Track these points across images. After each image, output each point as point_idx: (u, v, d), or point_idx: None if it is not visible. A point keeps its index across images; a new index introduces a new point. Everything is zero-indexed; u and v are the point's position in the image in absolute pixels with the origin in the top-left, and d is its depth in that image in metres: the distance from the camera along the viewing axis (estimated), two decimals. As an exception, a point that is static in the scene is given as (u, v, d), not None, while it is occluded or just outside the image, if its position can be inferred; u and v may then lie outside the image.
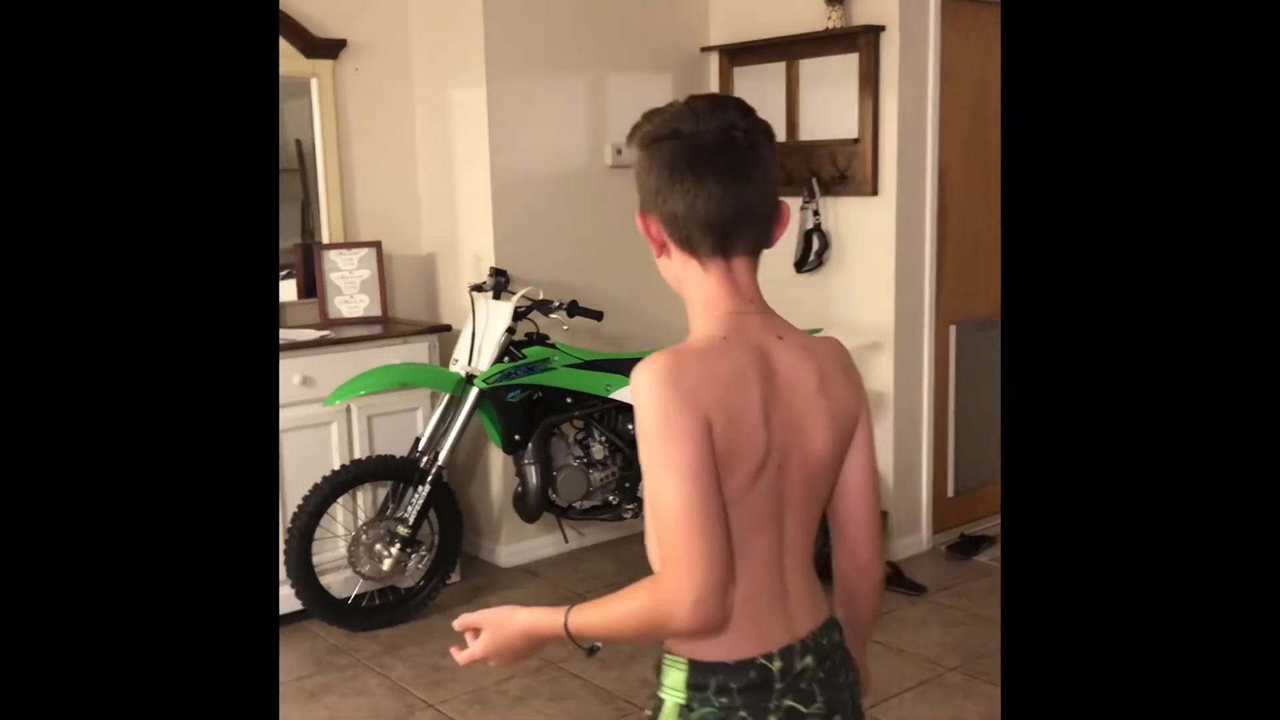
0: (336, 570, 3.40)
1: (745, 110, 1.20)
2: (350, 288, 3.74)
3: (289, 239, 3.89)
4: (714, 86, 4.17)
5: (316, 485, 3.24)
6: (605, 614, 1.17)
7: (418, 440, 3.38)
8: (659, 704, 1.22)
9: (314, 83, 3.72)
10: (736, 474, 1.14)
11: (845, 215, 3.80)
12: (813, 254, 3.84)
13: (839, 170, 3.76)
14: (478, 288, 3.48)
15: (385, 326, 3.68)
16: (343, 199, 3.82)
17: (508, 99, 3.69)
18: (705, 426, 1.10)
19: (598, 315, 3.32)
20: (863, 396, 1.26)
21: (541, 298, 3.36)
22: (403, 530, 3.26)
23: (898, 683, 3.01)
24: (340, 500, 3.29)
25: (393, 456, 3.33)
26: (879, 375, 3.78)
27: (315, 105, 3.73)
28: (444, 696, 2.95)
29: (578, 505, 3.45)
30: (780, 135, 3.94)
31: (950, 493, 4.03)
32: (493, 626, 1.26)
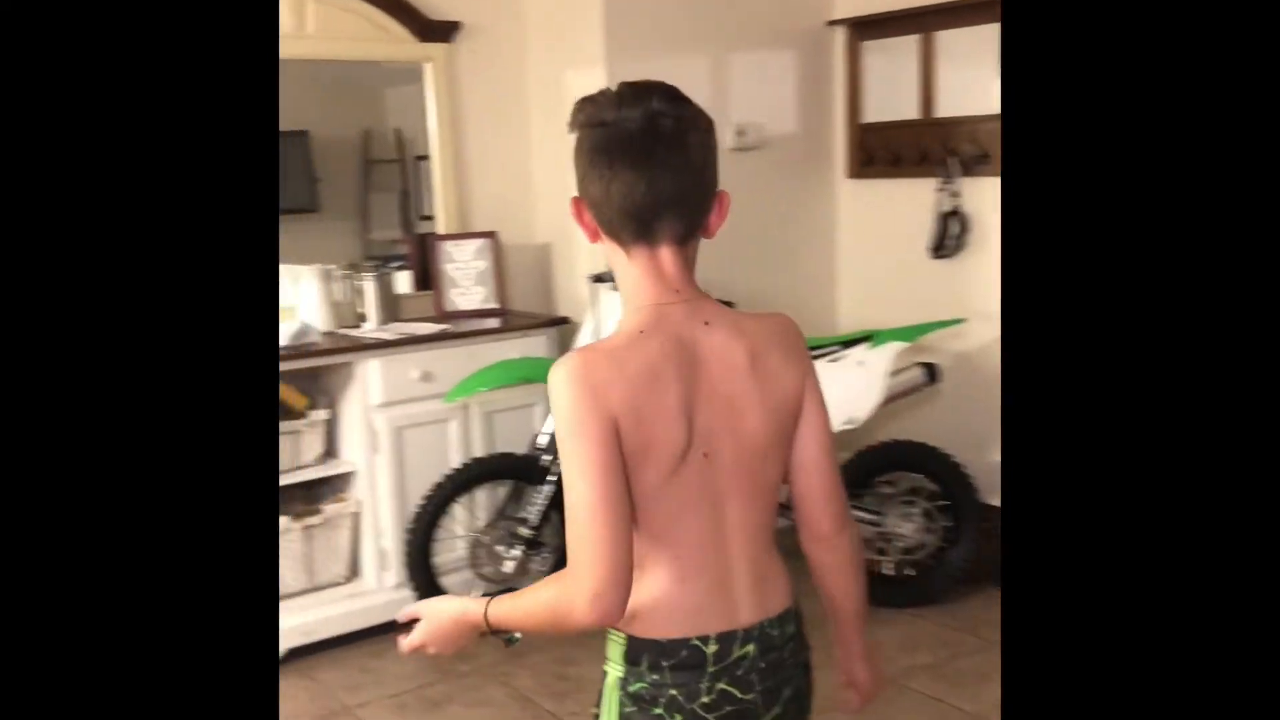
0: (455, 572, 3.29)
1: (674, 97, 1.20)
2: (466, 279, 3.63)
3: (387, 231, 3.80)
4: (840, 63, 3.95)
5: (438, 484, 3.13)
6: (517, 605, 1.22)
7: (536, 436, 3.25)
8: (604, 677, 1.26)
9: (427, 67, 3.60)
10: (651, 468, 1.16)
11: (987, 197, 3.55)
12: (950, 238, 3.61)
13: (980, 149, 3.51)
14: (598, 278, 3.32)
15: (503, 319, 3.56)
16: (457, 188, 3.71)
17: (627, 76, 3.52)
18: (611, 427, 1.13)
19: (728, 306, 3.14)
20: (807, 370, 1.26)
21: (667, 288, 3.20)
22: (525, 531, 3.13)
23: None
24: (459, 499, 3.18)
25: (513, 454, 3.21)
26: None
27: (429, 90, 3.62)
28: (572, 709, 2.82)
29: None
30: (913, 113, 3.72)
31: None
32: (429, 615, 1.32)
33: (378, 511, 3.24)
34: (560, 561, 3.24)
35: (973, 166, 3.55)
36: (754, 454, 1.22)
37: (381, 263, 3.62)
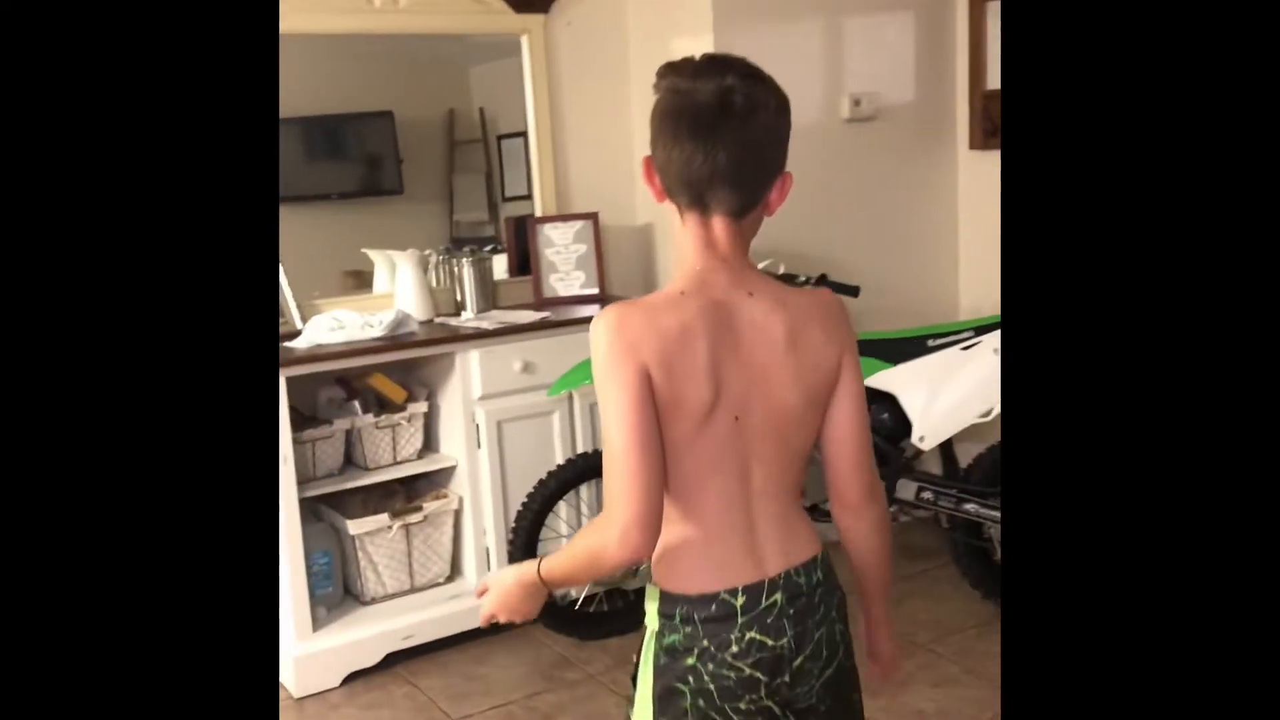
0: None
1: (750, 74, 1.23)
2: (566, 264, 3.45)
3: (472, 213, 3.64)
4: (963, 26, 3.67)
5: (542, 481, 2.96)
6: (564, 553, 1.30)
7: (646, 431, 3.07)
8: (644, 630, 1.32)
9: (524, 40, 3.42)
10: (681, 422, 1.22)
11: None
12: (1088, 213, 3.33)
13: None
14: (708, 261, 3.12)
15: (603, 305, 3.37)
16: (555, 167, 3.52)
17: (737, 45, 3.29)
18: (644, 377, 1.18)
19: (853, 290, 2.92)
20: (846, 348, 1.30)
21: (784, 270, 2.98)
22: (634, 532, 2.95)
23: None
24: (564, 497, 3.02)
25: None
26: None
27: (526, 64, 3.43)
28: None
29: (820, 504, 3.06)
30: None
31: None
32: (494, 584, 1.39)
33: (480, 508, 3.08)
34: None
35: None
36: (784, 422, 1.27)
37: (475, 246, 3.47)
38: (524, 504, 2.97)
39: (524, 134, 3.52)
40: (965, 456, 3.12)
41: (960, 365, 2.95)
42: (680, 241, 1.28)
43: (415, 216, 3.62)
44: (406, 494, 3.18)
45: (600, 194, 3.58)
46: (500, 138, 3.60)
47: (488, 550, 3.09)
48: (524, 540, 2.94)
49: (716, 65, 1.24)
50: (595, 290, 3.46)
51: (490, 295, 3.33)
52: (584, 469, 2.97)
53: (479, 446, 3.05)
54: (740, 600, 1.27)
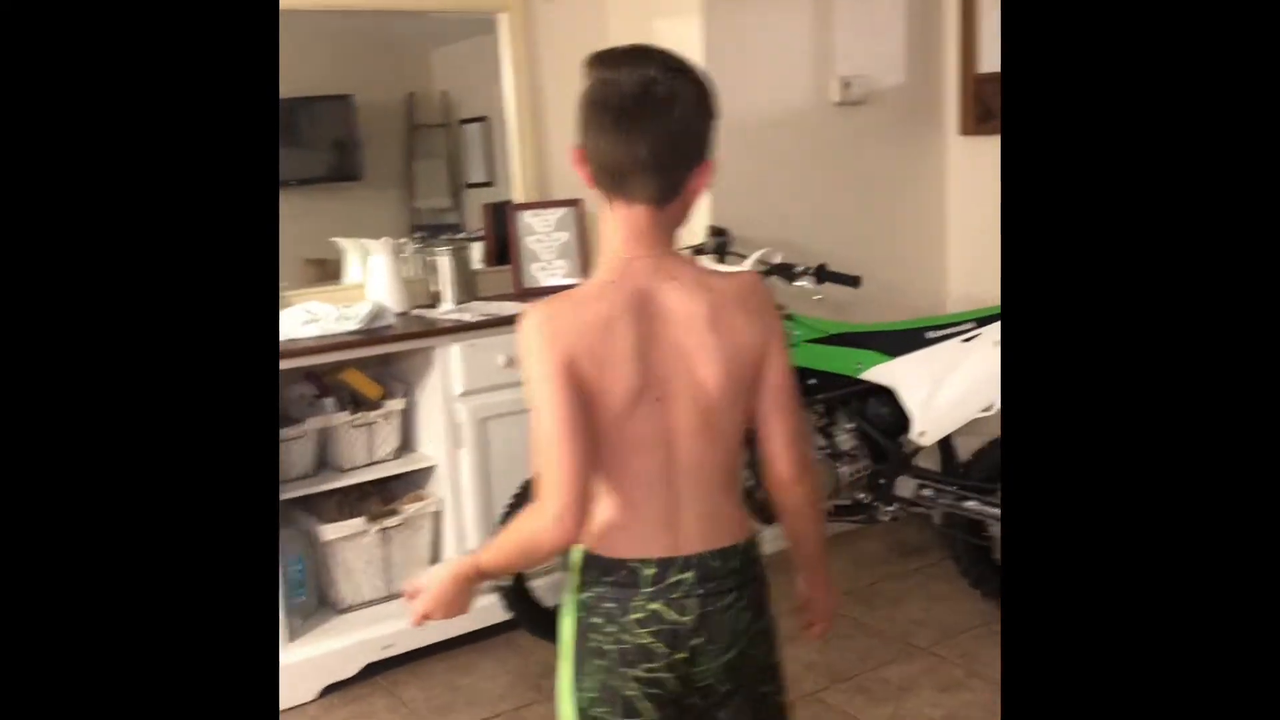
0: (543, 574, 3.00)
1: (670, 66, 1.27)
2: (548, 253, 3.31)
3: (433, 199, 3.49)
4: (953, 6, 3.57)
5: (528, 481, 2.82)
6: (500, 542, 1.33)
7: (635, 428, 2.94)
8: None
9: (503, 19, 3.27)
10: (607, 407, 1.27)
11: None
12: (1085, 200, 3.24)
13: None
14: (698, 250, 2.99)
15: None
16: (535, 152, 3.37)
17: (726, 27, 3.17)
18: (568, 369, 1.24)
19: (853, 281, 2.80)
20: (770, 327, 1.34)
21: (780, 260, 2.86)
22: (625, 534, 2.83)
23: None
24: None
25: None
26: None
27: (504, 45, 3.28)
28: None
29: (825, 505, 2.96)
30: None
31: None
32: (428, 583, 1.38)
33: (461, 511, 2.94)
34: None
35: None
36: (709, 401, 1.31)
37: (446, 234, 3.32)
38: (509, 506, 2.83)
39: (486, 119, 3.38)
40: (964, 451, 3.02)
41: (961, 358, 2.85)
42: (607, 227, 1.33)
43: (375, 203, 3.46)
44: (383, 496, 3.03)
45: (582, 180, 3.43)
46: (463, 122, 3.47)
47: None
48: (509, 544, 2.81)
49: (639, 56, 1.28)
50: (580, 279, 3.31)
51: (469, 286, 3.18)
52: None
53: (460, 446, 2.90)
54: (649, 571, 1.33)
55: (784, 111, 3.32)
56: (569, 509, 1.25)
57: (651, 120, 1.24)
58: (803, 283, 2.80)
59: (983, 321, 2.88)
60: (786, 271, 2.81)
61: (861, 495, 2.97)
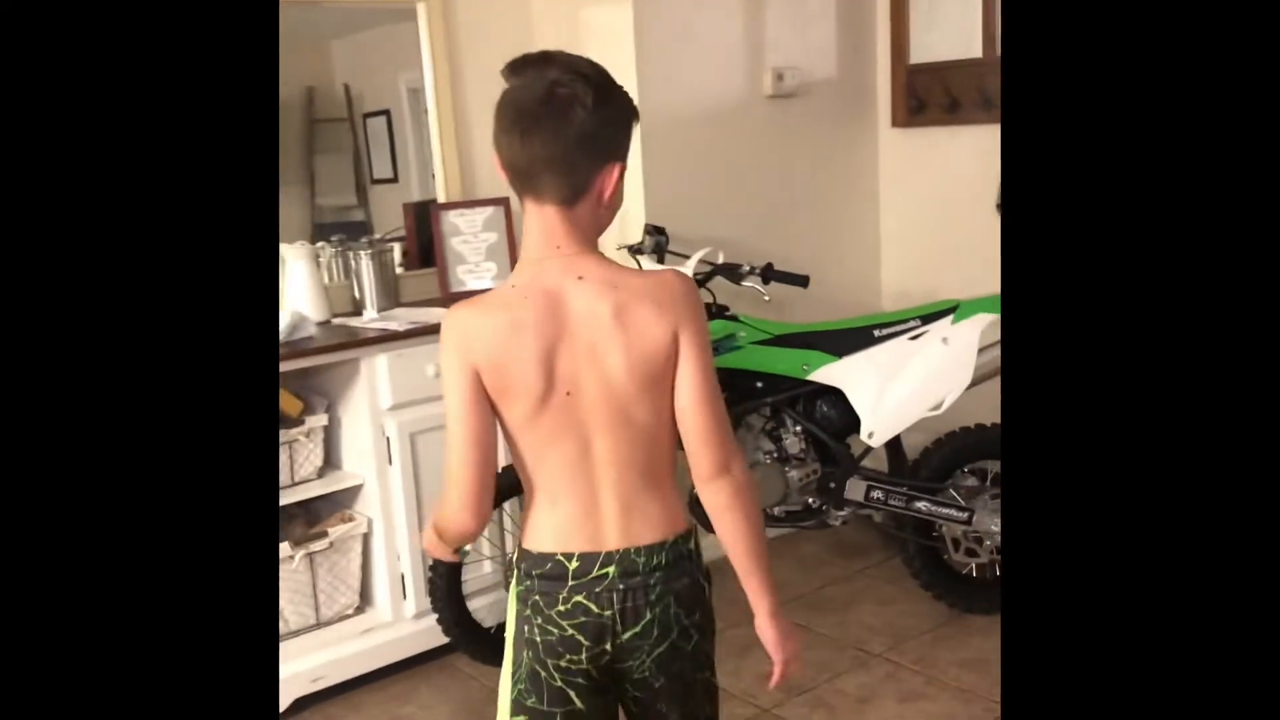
0: (485, 592, 2.85)
1: (573, 70, 1.30)
2: (475, 254, 3.14)
3: (336, 197, 3.31)
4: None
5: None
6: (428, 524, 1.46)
7: (575, 437, 2.80)
8: None
9: (421, 9, 3.09)
10: (514, 406, 1.32)
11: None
12: (1022, 192, 3.20)
13: (1059, 89, 3.10)
14: (635, 250, 2.86)
15: (518, 299, 3.09)
16: (459, 148, 3.21)
17: (656, 17, 3.05)
18: (473, 373, 1.31)
19: (802, 280, 2.71)
20: (681, 323, 1.34)
21: (723, 260, 2.75)
22: (569, 550, 2.69)
23: None
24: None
25: (550, 460, 2.75)
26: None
27: (424, 35, 3.11)
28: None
29: (773, 510, 2.86)
30: (975, 51, 3.29)
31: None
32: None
33: (393, 531, 2.77)
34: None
35: (1048, 110, 3.14)
36: (619, 395, 1.34)
37: (345, 232, 3.15)
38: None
39: (389, 112, 3.21)
40: (911, 450, 2.96)
41: (909, 356, 2.78)
42: (525, 228, 1.36)
43: (272, 201, 3.26)
44: (307, 518, 2.84)
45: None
46: (366, 116, 3.29)
47: (403, 577, 2.78)
48: (446, 567, 2.65)
49: (544, 61, 1.31)
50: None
51: (392, 291, 3.01)
52: (512, 483, 2.68)
53: (390, 462, 2.73)
54: (573, 565, 1.36)
55: (717, 105, 3.22)
56: (466, 506, 1.34)
57: (553, 121, 1.28)
58: (750, 283, 2.69)
59: (928, 318, 2.82)
60: (732, 272, 2.71)
61: (811, 499, 2.88)
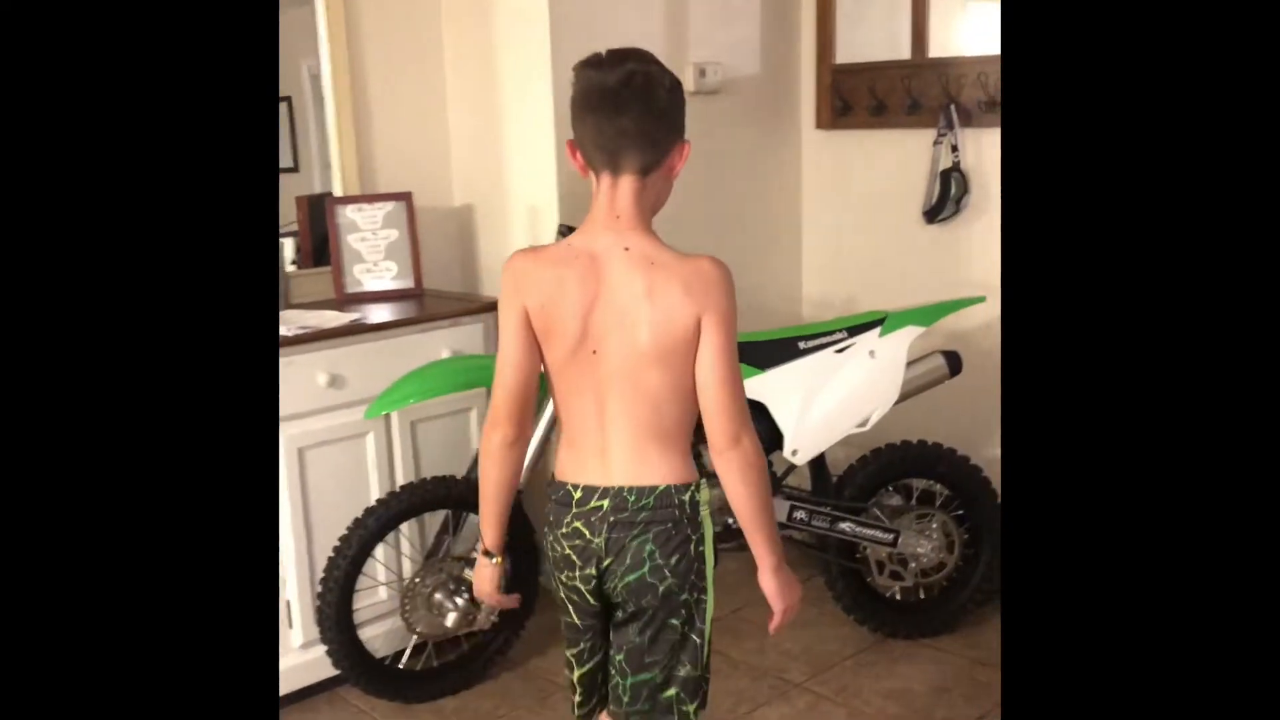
0: (378, 620, 2.63)
1: (646, 60, 1.50)
2: (374, 253, 2.92)
3: None
4: (809, -7, 3.37)
5: (359, 520, 2.45)
6: (482, 502, 1.67)
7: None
8: None
9: (318, -13, 2.85)
10: (555, 348, 1.53)
11: (994, 151, 3.05)
12: (950, 200, 3.10)
13: (988, 95, 3.00)
14: (548, 252, 2.67)
15: (420, 303, 2.88)
16: (357, 138, 2.98)
17: (573, 6, 2.86)
18: (521, 310, 1.52)
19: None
20: (706, 308, 1.49)
21: (642, 266, 2.58)
22: (472, 576, 2.48)
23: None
24: (385, 538, 2.52)
25: (453, 478, 2.54)
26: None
27: (321, 20, 2.87)
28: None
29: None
30: (904, 53, 3.18)
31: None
32: (476, 589, 1.77)
33: (279, 554, 2.53)
34: (510, 611, 2.63)
35: (977, 116, 3.04)
36: (637, 362, 1.50)
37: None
38: (336, 548, 2.45)
39: (289, 99, 2.98)
40: (834, 466, 2.83)
41: (835, 370, 2.65)
42: (594, 201, 1.52)
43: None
44: (183, 539, 2.59)
45: (411, 171, 3.06)
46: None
47: (289, 604, 2.54)
48: (337, 593, 2.43)
49: (620, 55, 1.48)
50: (411, 283, 2.94)
51: (283, 291, 2.77)
52: (411, 504, 2.49)
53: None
54: (577, 495, 1.57)
55: (636, 100, 3.04)
56: (503, 419, 1.57)
57: (638, 100, 1.45)
58: (670, 291, 2.52)
59: (855, 330, 2.69)
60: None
61: (731, 520, 2.72)
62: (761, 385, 2.62)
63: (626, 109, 1.44)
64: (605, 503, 1.54)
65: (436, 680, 2.60)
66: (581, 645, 1.64)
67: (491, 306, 2.85)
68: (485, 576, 1.71)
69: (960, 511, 2.83)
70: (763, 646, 2.82)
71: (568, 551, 1.57)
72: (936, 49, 3.12)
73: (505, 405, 1.55)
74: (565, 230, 2.67)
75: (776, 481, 2.70)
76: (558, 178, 2.89)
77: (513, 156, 3.01)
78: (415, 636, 2.56)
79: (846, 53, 3.33)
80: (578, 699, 1.69)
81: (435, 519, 2.63)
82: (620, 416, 1.53)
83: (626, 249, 1.48)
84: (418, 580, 2.52)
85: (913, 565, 2.78)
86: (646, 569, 1.54)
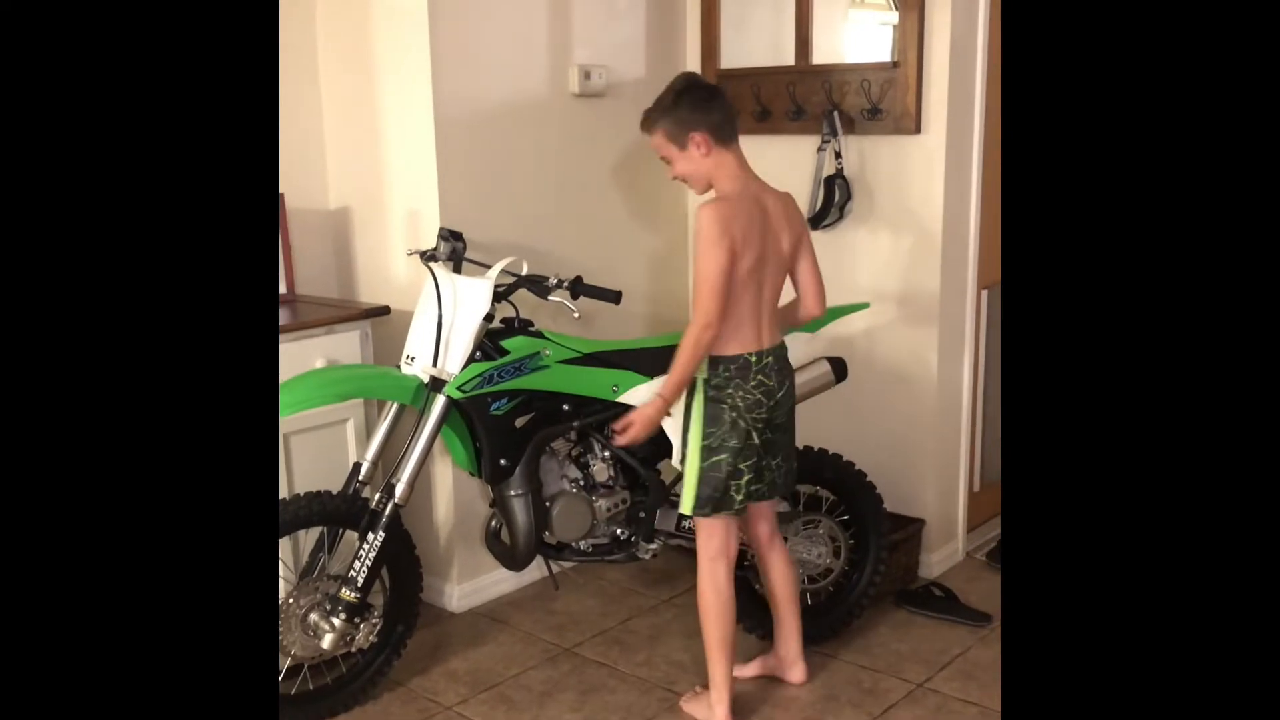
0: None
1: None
2: (244, 257, 2.78)
3: None
4: (694, 1, 3.36)
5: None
6: (677, 362, 2.29)
7: (358, 467, 2.49)
8: (692, 383, 2.35)
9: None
10: (742, 265, 2.25)
11: (877, 158, 3.08)
12: (833, 206, 3.11)
13: (870, 102, 3.02)
14: (428, 256, 2.58)
15: (294, 309, 2.75)
16: (225, 136, 2.83)
17: (454, 7, 2.78)
18: (730, 243, 2.21)
19: (614, 296, 2.49)
20: (801, 222, 2.44)
21: (528, 272, 2.51)
22: (350, 595, 2.38)
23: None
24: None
25: (329, 494, 2.43)
26: (915, 354, 3.11)
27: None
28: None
29: (580, 544, 2.64)
30: (788, 59, 3.18)
31: (977, 486, 3.42)
32: (638, 416, 2.40)
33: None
34: (393, 621, 2.53)
35: (859, 123, 3.06)
36: (780, 262, 2.36)
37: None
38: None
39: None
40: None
41: (722, 377, 2.62)
42: (728, 168, 2.31)
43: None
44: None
45: (284, 172, 2.92)
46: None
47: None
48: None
49: (689, 76, 2.42)
50: (283, 289, 2.81)
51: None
52: (283, 522, 2.36)
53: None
54: (753, 358, 2.32)
55: (519, 102, 2.97)
56: (715, 320, 2.23)
57: (720, 94, 2.36)
58: (557, 297, 2.46)
59: (742, 337, 2.67)
60: (538, 285, 2.47)
61: (620, 530, 2.68)
62: (649, 393, 2.57)
63: (723, 99, 2.35)
64: (769, 359, 2.33)
65: (313, 703, 2.48)
66: (754, 458, 2.33)
67: (369, 314, 2.74)
68: (655, 418, 2.36)
69: (845, 516, 2.84)
70: (651, 658, 2.78)
71: (758, 396, 2.31)
72: (820, 55, 3.13)
73: (720, 311, 2.22)
74: (446, 234, 2.59)
75: (665, 490, 2.67)
76: (439, 180, 2.79)
77: (391, 158, 2.91)
78: (289, 659, 2.44)
79: (731, 58, 3.32)
80: (750, 493, 2.37)
81: (310, 536, 2.52)
82: (770, 301, 2.33)
83: (764, 189, 2.34)
84: (291, 600, 2.40)
85: (800, 571, 2.78)
86: (786, 393, 2.39)
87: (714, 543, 2.38)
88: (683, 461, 2.37)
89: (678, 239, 3.52)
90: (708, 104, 2.27)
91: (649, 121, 2.32)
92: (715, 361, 2.28)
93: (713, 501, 2.33)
